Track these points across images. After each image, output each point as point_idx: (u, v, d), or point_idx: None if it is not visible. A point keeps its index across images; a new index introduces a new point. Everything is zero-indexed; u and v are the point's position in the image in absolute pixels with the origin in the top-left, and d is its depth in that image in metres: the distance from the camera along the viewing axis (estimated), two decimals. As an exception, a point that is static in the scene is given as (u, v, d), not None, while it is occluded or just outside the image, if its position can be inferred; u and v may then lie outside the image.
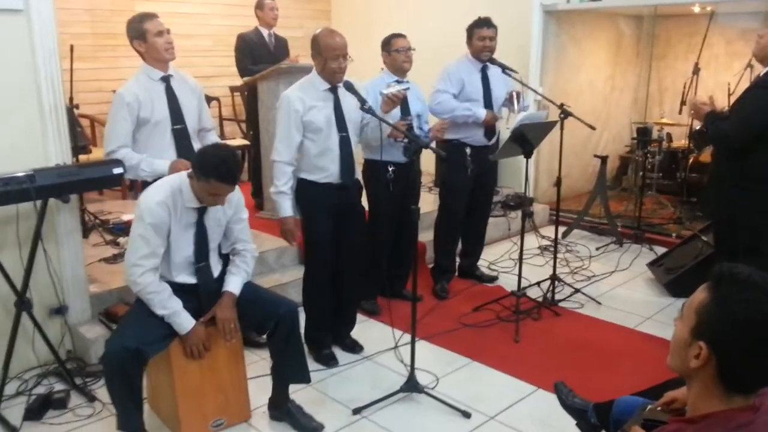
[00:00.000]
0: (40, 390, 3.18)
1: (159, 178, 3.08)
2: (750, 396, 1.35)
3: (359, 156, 3.63)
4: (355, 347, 3.65)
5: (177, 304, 2.66)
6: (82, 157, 4.81)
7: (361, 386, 3.27)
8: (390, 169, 3.82)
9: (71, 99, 4.82)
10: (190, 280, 2.79)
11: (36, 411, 2.97)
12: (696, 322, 1.34)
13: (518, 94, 4.17)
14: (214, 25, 6.82)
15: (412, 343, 3.14)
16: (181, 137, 3.32)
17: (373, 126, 3.39)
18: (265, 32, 5.43)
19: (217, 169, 2.52)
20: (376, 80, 3.93)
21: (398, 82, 3.91)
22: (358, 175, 3.47)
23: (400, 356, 3.45)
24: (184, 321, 2.66)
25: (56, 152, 3.32)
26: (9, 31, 3.13)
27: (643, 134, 5.76)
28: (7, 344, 3.09)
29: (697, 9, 6.07)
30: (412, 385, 3.13)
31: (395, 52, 3.92)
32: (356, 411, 3.03)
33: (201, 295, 2.79)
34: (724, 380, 1.33)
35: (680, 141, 6.35)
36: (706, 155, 5.74)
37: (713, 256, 4.12)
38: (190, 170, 2.63)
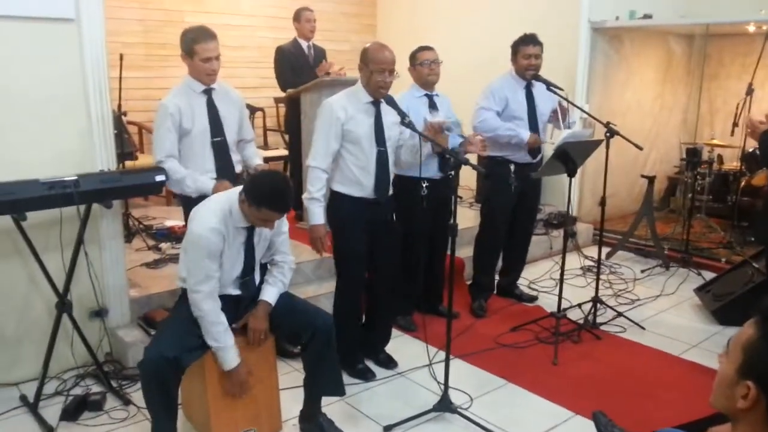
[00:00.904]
0: (78, 391, 3.23)
1: (202, 195, 3.13)
2: None
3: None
4: (389, 363, 3.61)
5: (230, 339, 2.65)
6: (129, 164, 4.90)
7: (394, 403, 3.22)
8: (424, 185, 3.77)
9: (119, 106, 4.93)
10: (235, 292, 2.80)
11: (72, 412, 3.01)
12: (743, 359, 1.27)
13: (564, 110, 4.10)
14: (261, 38, 6.92)
15: (447, 361, 3.08)
16: (220, 149, 3.36)
17: (407, 148, 3.36)
18: (304, 44, 5.45)
19: (269, 198, 2.53)
20: (405, 94, 3.89)
21: (427, 96, 3.88)
22: (391, 191, 3.44)
23: (434, 374, 3.39)
24: (231, 359, 2.65)
25: (102, 158, 3.39)
26: (61, 40, 3.22)
27: (692, 155, 5.60)
28: (47, 345, 3.15)
29: (752, 28, 5.89)
30: (445, 405, 3.07)
31: (419, 66, 3.88)
32: (388, 428, 2.98)
33: (242, 303, 2.80)
34: None
35: (732, 163, 6.16)
36: (759, 178, 5.54)
37: (765, 284, 3.96)
38: (241, 192, 2.62)
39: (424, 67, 3.87)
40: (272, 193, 2.54)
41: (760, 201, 5.63)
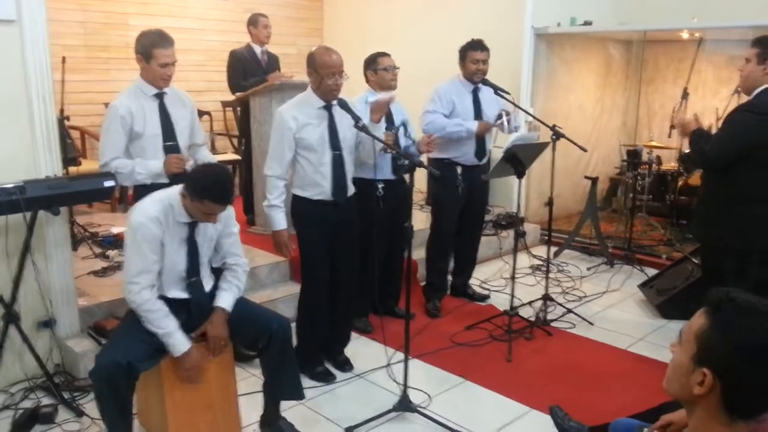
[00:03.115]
0: (27, 404, 3.12)
1: (157, 180, 3.15)
2: (752, 421, 1.33)
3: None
4: (345, 366, 3.61)
5: (172, 324, 2.60)
6: (72, 169, 4.75)
7: (354, 405, 3.24)
8: (380, 186, 3.80)
9: (62, 110, 4.79)
10: (182, 295, 2.75)
11: (22, 425, 2.90)
12: (697, 348, 1.33)
13: (509, 115, 4.20)
14: (208, 41, 6.84)
15: (406, 361, 3.11)
16: (172, 153, 3.32)
17: (366, 147, 3.41)
18: (257, 49, 5.44)
19: (210, 189, 2.50)
20: (360, 98, 3.92)
21: None
22: (351, 192, 3.46)
23: (393, 375, 3.42)
24: (178, 343, 2.59)
25: (47, 164, 3.29)
26: (1, 42, 3.10)
27: (633, 156, 5.82)
28: (-7, 358, 3.05)
29: (685, 35, 6.18)
30: (404, 404, 3.10)
31: (383, 71, 3.92)
32: (348, 430, 2.99)
33: (192, 309, 2.75)
34: (728, 406, 1.31)
35: (669, 164, 6.42)
36: (695, 178, 5.80)
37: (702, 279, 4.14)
38: (182, 187, 2.60)
39: (388, 72, 3.92)
40: (213, 184, 2.51)
41: (695, 200, 5.88)
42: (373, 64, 3.96)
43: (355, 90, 4.00)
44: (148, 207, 2.61)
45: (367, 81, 4.01)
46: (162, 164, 3.22)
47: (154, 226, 2.57)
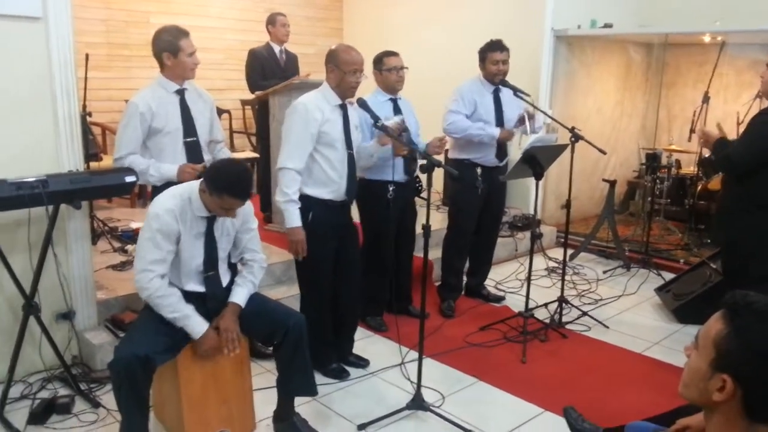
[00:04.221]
0: (45, 394, 3.17)
1: (168, 182, 3.15)
2: None
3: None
4: (360, 362, 3.62)
5: (187, 308, 2.65)
6: (93, 165, 4.82)
7: (367, 402, 3.25)
8: (390, 188, 3.78)
9: (84, 107, 4.86)
10: (199, 288, 2.78)
11: (40, 415, 2.95)
12: (716, 354, 1.30)
13: (531, 116, 4.19)
14: (227, 40, 6.90)
15: (420, 360, 3.12)
16: (192, 150, 3.35)
17: (361, 151, 3.39)
18: (276, 48, 5.48)
19: (230, 184, 2.54)
20: (370, 98, 3.90)
21: (392, 100, 3.90)
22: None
23: (407, 373, 3.43)
24: (196, 325, 2.64)
25: (69, 158, 3.34)
26: (27, 39, 3.16)
27: (652, 160, 5.78)
28: (13, 347, 3.09)
29: (707, 39, 6.12)
30: (417, 403, 3.10)
31: (387, 72, 3.87)
32: (361, 427, 3.00)
33: (209, 303, 2.78)
34: (748, 412, 1.29)
35: (689, 168, 6.36)
36: (714, 183, 5.74)
37: (722, 283, 4.11)
38: (201, 182, 2.64)
39: (392, 74, 3.87)
40: (233, 179, 2.55)
41: (715, 204, 5.84)
42: (379, 64, 3.91)
43: (367, 90, 4.00)
44: (166, 200, 2.66)
45: (375, 80, 3.98)
46: (176, 171, 3.23)
47: (169, 217, 2.61)
